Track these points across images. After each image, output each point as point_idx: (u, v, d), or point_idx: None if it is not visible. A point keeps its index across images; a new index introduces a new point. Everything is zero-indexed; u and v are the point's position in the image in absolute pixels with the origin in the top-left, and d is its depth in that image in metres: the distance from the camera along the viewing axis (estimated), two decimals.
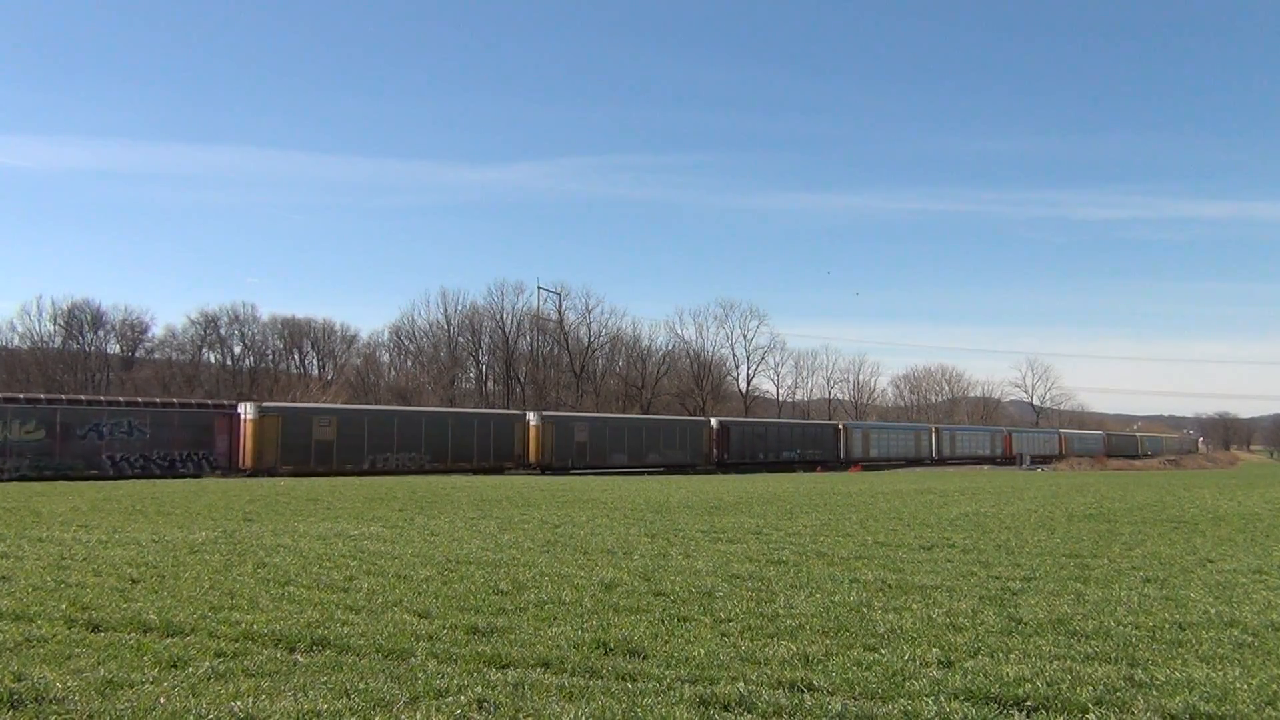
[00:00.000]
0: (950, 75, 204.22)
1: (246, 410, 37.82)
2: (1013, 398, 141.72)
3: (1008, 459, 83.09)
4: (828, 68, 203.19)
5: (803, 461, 62.41)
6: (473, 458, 44.28)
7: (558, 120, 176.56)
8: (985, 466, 72.42)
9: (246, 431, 37.26)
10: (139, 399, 40.07)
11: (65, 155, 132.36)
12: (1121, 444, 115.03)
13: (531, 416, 48.44)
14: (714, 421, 59.04)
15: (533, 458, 46.88)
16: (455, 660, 5.73)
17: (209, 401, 41.25)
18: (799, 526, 14.42)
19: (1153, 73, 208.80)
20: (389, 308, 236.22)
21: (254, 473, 35.79)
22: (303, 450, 38.37)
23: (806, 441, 64.45)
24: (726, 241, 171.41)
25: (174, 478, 31.79)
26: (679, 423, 58.84)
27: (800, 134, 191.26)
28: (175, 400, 40.35)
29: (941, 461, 75.24)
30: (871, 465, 65.33)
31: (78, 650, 5.92)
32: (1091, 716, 4.75)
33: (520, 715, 4.68)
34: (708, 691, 5.04)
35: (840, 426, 68.53)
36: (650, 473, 48.04)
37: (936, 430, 79.16)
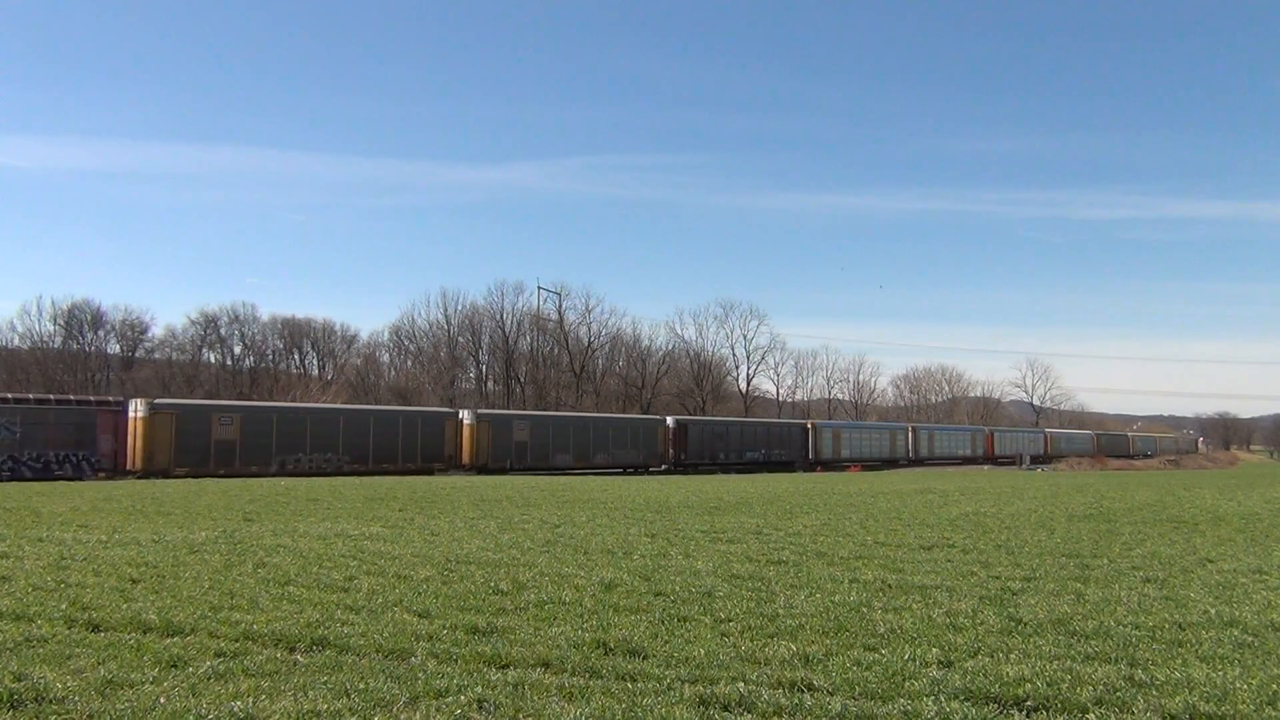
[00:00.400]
0: (949, 75, 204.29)
1: (136, 408, 35.64)
2: (1013, 398, 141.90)
3: (989, 459, 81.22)
4: (827, 68, 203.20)
5: (769, 462, 59.87)
6: (398, 458, 41.89)
7: (558, 120, 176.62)
8: (986, 466, 71.90)
9: (135, 430, 34.99)
10: (8, 395, 37.37)
11: (65, 155, 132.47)
12: (1112, 444, 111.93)
13: (465, 415, 46.14)
14: (670, 420, 56.72)
15: (467, 458, 44.53)
16: (455, 660, 5.74)
17: (91, 398, 38.95)
18: (799, 526, 14.42)
19: (1153, 73, 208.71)
20: (389, 308, 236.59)
21: (144, 475, 33.67)
22: (200, 451, 36.23)
23: (772, 441, 61.89)
24: (726, 241, 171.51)
25: (49, 480, 30.05)
26: (631, 421, 56.27)
27: (800, 134, 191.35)
28: (51, 396, 37.82)
29: (919, 462, 72.73)
30: (842, 467, 63.34)
31: (78, 650, 5.92)
32: (1091, 716, 4.75)
33: (520, 715, 4.68)
34: (708, 691, 5.04)
35: (809, 425, 66.08)
36: (595, 473, 45.94)
37: (913, 430, 76.83)
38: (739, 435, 60.08)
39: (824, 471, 57.76)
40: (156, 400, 38.42)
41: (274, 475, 34.89)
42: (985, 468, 68.74)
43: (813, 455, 64.16)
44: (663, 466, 53.90)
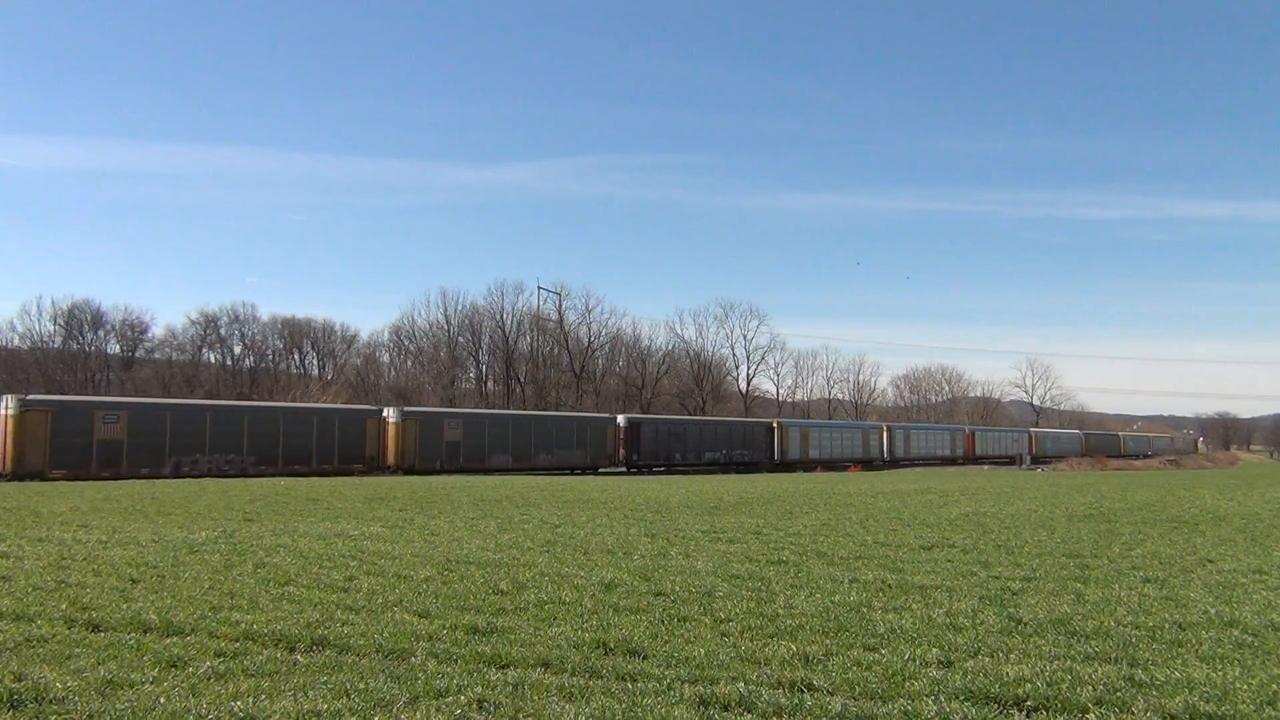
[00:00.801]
0: (949, 75, 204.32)
1: (6, 404, 33.06)
2: (1013, 398, 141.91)
3: (970, 459, 79.21)
4: (828, 68, 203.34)
5: (730, 463, 57.65)
6: (312, 460, 39.53)
7: (558, 120, 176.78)
8: (986, 466, 71.45)
9: (4, 429, 32.55)
10: None
11: (65, 155, 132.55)
12: (1101, 444, 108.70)
13: (390, 413, 43.63)
14: (621, 419, 54.08)
15: (391, 459, 42.45)
16: (455, 660, 5.74)
17: None
18: (799, 526, 14.42)
19: (1153, 73, 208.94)
20: (389, 308, 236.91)
21: (15, 477, 31.12)
22: (81, 451, 33.65)
23: (734, 441, 59.47)
24: (726, 241, 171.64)
25: None
26: (578, 420, 53.57)
27: (800, 134, 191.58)
28: None
29: (894, 463, 70.16)
30: (810, 469, 60.34)
31: (78, 650, 5.92)
32: (1091, 716, 4.75)
33: (520, 715, 4.68)
34: (708, 691, 5.04)
35: (774, 424, 63.78)
36: (532, 475, 42.80)
37: (888, 429, 74.16)
38: (697, 435, 57.59)
39: (790, 473, 55.03)
40: (29, 396, 35.85)
41: (167, 477, 32.48)
42: (985, 467, 68.33)
43: (779, 456, 61.83)
44: (615, 468, 51.21)
